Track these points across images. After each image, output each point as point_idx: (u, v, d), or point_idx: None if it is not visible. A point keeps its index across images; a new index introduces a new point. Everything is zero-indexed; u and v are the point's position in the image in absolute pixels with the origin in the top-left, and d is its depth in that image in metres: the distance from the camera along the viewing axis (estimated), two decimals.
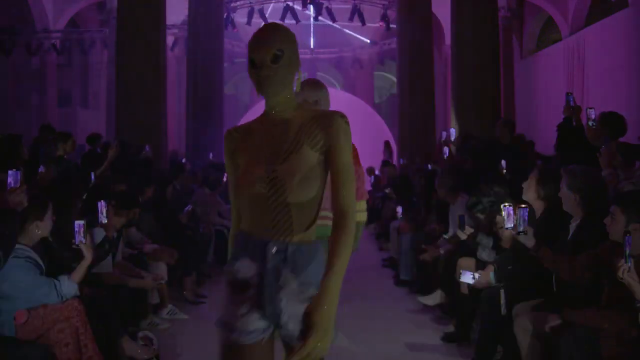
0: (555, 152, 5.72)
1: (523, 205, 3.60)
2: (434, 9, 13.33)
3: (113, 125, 11.25)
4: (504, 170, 5.97)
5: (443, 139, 7.86)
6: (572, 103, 4.94)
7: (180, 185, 7.99)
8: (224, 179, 9.38)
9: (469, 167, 6.73)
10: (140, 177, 6.30)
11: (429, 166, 8.78)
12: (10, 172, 3.47)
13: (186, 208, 6.91)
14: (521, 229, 3.51)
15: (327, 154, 1.94)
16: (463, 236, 5.09)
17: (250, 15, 15.91)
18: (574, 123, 4.91)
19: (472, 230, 4.98)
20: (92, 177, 5.98)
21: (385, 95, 27.33)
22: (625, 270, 2.65)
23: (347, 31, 20.47)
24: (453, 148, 7.79)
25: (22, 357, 3.26)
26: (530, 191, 4.02)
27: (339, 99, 17.11)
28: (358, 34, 21.23)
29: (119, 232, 4.90)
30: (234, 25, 16.25)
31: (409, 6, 12.74)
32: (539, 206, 4.01)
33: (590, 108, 4.70)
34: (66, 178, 5.51)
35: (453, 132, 7.77)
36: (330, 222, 1.94)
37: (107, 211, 4.39)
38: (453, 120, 10.09)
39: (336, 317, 1.84)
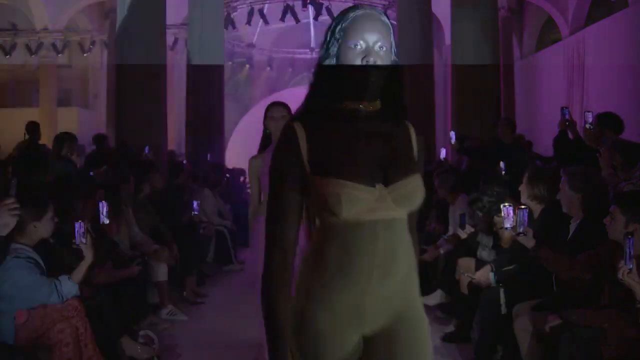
0: (554, 161, 5.77)
1: (523, 206, 3.59)
2: (434, 9, 13.30)
3: (113, 126, 11.24)
4: (503, 172, 5.97)
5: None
6: (567, 117, 4.99)
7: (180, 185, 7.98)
8: (224, 180, 9.37)
9: (468, 167, 6.72)
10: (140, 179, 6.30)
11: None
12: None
13: (194, 204, 6.83)
14: (521, 230, 3.49)
15: None
16: (463, 235, 5.09)
17: (250, 15, 15.89)
18: (570, 136, 4.96)
19: (472, 230, 4.99)
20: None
21: None
22: (625, 271, 2.66)
23: None
24: (453, 149, 7.78)
25: None
26: (524, 192, 4.05)
27: None
28: None
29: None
30: (234, 25, 16.22)
31: (409, 6, 12.73)
32: (535, 207, 4.02)
33: (588, 111, 4.75)
34: (66, 178, 5.50)
35: (453, 135, 7.75)
36: None
37: (107, 212, 4.39)
38: (453, 121, 10.08)
39: None
